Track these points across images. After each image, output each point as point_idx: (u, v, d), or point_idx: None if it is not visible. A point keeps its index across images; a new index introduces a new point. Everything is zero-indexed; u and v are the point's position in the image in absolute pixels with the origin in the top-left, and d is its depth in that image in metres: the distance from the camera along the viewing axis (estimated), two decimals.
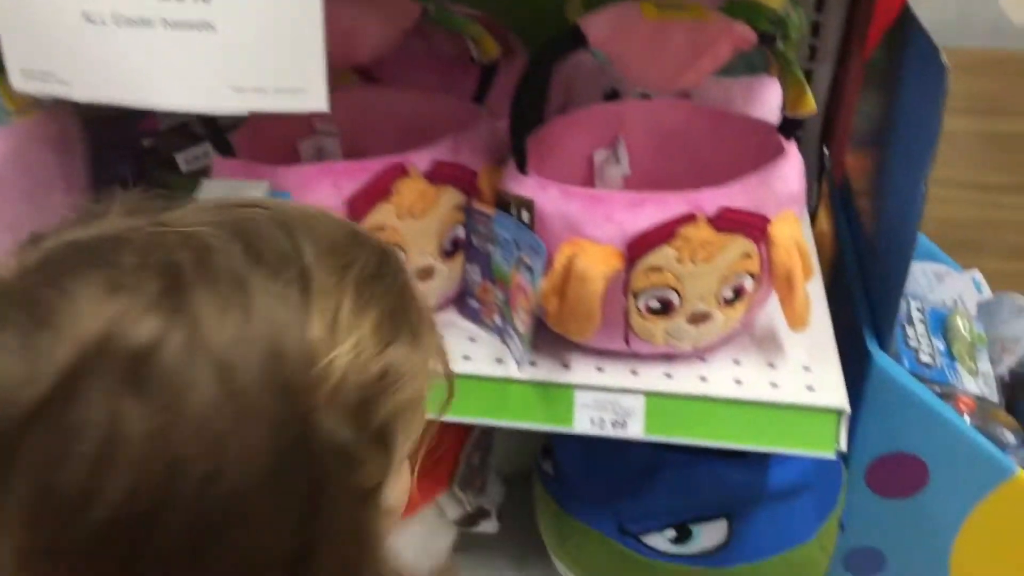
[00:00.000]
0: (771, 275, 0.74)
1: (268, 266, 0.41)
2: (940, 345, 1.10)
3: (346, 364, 0.41)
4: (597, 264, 0.70)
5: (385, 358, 0.43)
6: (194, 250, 0.41)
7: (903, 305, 1.12)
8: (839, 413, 0.73)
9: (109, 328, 0.38)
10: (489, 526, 0.98)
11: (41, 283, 0.40)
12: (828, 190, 1.20)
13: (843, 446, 0.74)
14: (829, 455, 0.74)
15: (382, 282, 0.44)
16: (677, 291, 0.72)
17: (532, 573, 1.02)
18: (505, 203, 0.75)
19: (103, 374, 0.38)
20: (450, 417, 0.78)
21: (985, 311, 1.16)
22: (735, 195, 0.71)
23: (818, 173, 1.16)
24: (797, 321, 0.74)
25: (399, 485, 0.48)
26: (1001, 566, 0.98)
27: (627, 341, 0.76)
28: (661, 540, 0.87)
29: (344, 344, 0.41)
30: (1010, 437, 1.06)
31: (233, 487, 0.39)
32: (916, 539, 0.98)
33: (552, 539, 0.95)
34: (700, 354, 0.78)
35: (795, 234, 0.73)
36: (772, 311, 0.79)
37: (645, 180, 0.85)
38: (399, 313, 0.44)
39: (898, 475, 0.95)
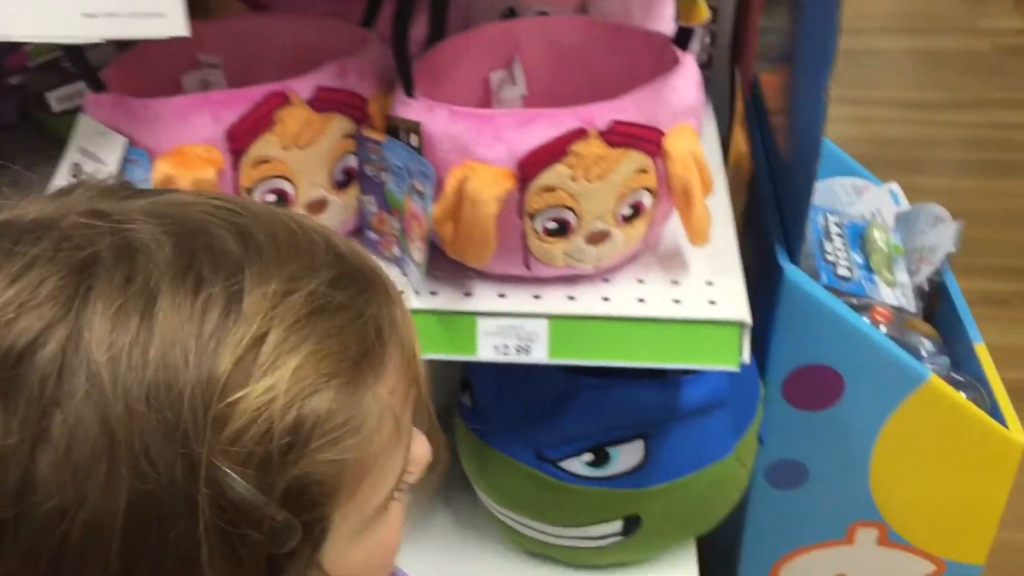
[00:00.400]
0: (669, 189, 0.73)
1: (192, 277, 0.36)
2: (858, 258, 1.10)
3: (253, 409, 0.35)
4: (488, 186, 0.68)
5: (306, 408, 0.36)
6: (116, 247, 0.36)
7: (821, 220, 1.12)
8: (741, 325, 0.73)
9: None
10: None
11: None
12: (743, 111, 1.19)
13: (746, 358, 0.73)
14: (733, 368, 0.74)
15: (335, 316, 0.38)
16: (574, 210, 0.71)
17: (459, 507, 1.02)
18: (394, 128, 0.73)
19: None
20: None
21: (903, 222, 1.17)
22: (627, 108, 0.70)
23: (730, 95, 1.15)
24: (697, 236, 0.73)
25: (353, 552, 0.41)
26: (918, 471, 1.00)
27: (527, 265, 0.74)
28: (579, 464, 0.87)
29: (256, 384, 0.35)
30: (928, 345, 1.07)
31: (87, 529, 0.34)
32: (835, 449, 1.00)
33: (474, 471, 0.94)
34: (603, 275, 0.78)
35: (691, 147, 0.72)
36: (676, 228, 0.78)
37: (544, 100, 0.83)
38: (348, 356, 0.38)
39: (814, 387, 0.96)
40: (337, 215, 0.76)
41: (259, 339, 0.36)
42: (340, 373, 0.37)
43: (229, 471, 0.35)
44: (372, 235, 0.79)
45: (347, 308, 0.38)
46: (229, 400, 0.35)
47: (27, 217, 0.38)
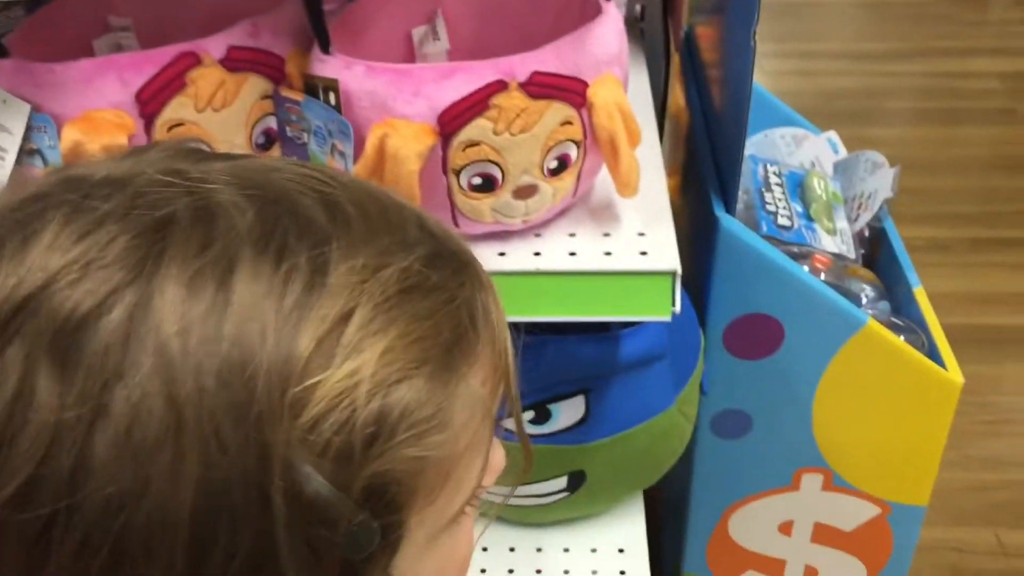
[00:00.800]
0: (595, 141, 0.72)
1: (275, 246, 0.33)
2: (798, 207, 1.10)
3: (334, 395, 0.32)
4: (409, 143, 0.67)
5: (392, 396, 0.33)
6: (194, 209, 0.33)
7: (760, 170, 1.12)
8: (672, 275, 0.73)
9: (48, 280, 0.31)
10: None
11: (17, 219, 0.33)
12: (679, 64, 1.18)
13: (678, 308, 0.73)
14: (665, 318, 0.74)
15: (428, 297, 0.35)
16: (499, 165, 0.70)
17: None
18: (313, 87, 0.71)
19: (27, 334, 0.31)
20: None
21: (842, 170, 1.17)
22: (547, 59, 0.68)
23: (665, 47, 1.14)
24: (625, 187, 0.73)
25: (424, 564, 0.37)
26: (860, 415, 1.01)
27: (456, 222, 0.73)
28: None
29: (339, 368, 0.32)
30: (868, 291, 1.08)
31: (149, 521, 0.31)
32: (778, 397, 1.00)
33: None
34: (534, 229, 0.77)
35: (616, 97, 0.71)
36: (607, 180, 0.78)
37: (468, 56, 0.81)
38: (440, 342, 0.34)
39: (754, 336, 0.96)
40: None
41: (345, 317, 0.32)
42: (431, 360, 0.34)
43: (305, 462, 0.31)
44: None
45: (440, 289, 0.35)
46: (308, 383, 0.31)
47: (98, 174, 0.35)
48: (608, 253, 0.74)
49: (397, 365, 0.33)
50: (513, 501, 0.91)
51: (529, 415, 0.86)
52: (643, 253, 0.74)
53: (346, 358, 0.32)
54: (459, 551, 0.40)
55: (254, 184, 0.35)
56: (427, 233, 0.37)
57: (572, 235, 0.77)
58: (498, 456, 0.42)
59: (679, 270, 0.72)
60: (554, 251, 0.75)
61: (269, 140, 0.74)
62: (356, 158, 0.69)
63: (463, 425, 0.35)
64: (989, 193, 2.08)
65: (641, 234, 0.76)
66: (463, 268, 0.38)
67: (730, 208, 0.92)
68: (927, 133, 2.30)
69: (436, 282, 0.35)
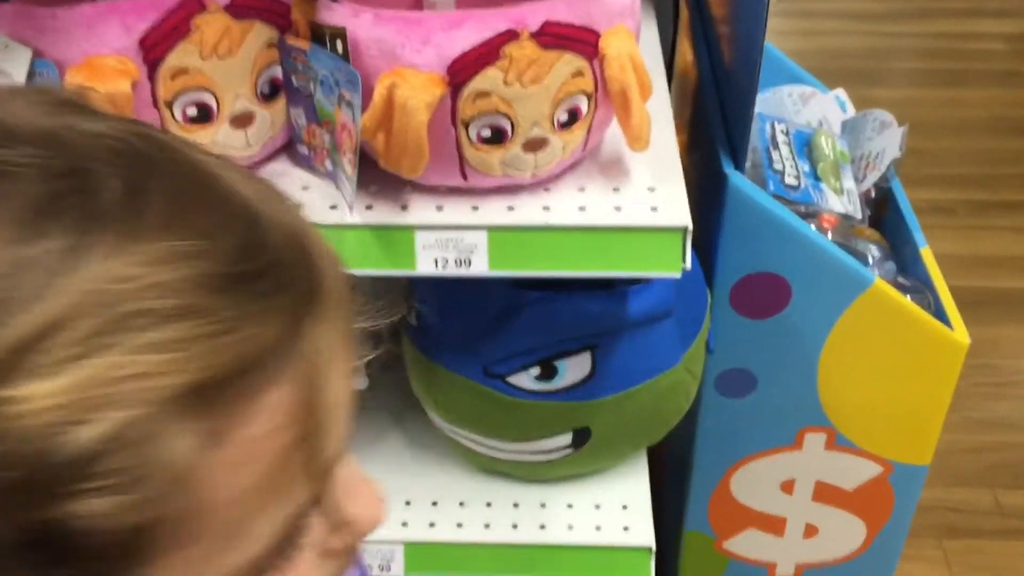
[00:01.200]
0: (606, 93, 0.70)
1: (40, 219, 0.28)
2: (805, 166, 1.09)
3: (9, 416, 0.27)
4: (418, 93, 0.66)
5: (83, 435, 0.27)
6: None
7: (768, 128, 1.10)
8: (683, 231, 0.72)
9: None
10: (358, 383, 0.96)
11: None
12: (688, 20, 1.16)
13: (688, 265, 0.72)
14: (675, 275, 0.73)
15: (184, 322, 0.29)
16: (509, 117, 0.69)
17: (410, 426, 1.01)
18: (320, 35, 0.69)
19: None
20: None
21: (849, 128, 1.16)
22: (559, 9, 0.67)
23: (674, 3, 1.12)
24: (636, 140, 0.71)
25: None
26: (865, 375, 1.00)
27: (464, 176, 0.72)
28: (527, 379, 0.86)
29: (28, 384, 0.27)
30: (875, 251, 1.07)
31: None
32: (783, 356, 1.00)
33: (422, 390, 0.93)
34: (543, 183, 0.76)
35: (628, 48, 0.69)
36: (616, 135, 0.76)
37: (478, 4, 0.80)
38: (189, 379, 0.29)
39: (761, 295, 0.96)
40: (264, 129, 0.73)
41: (60, 323, 0.27)
42: (158, 402, 0.28)
43: None
44: (303, 150, 0.76)
45: (217, 318, 0.29)
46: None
47: None
48: (618, 208, 0.73)
49: (98, 399, 0.27)
50: (517, 457, 0.91)
51: (535, 371, 0.85)
52: (653, 208, 0.73)
53: (41, 376, 0.27)
54: None
55: (58, 149, 0.31)
56: (254, 245, 0.31)
57: (581, 190, 0.76)
58: (364, 510, 0.37)
59: (690, 226, 0.71)
60: (563, 206, 0.74)
61: (274, 89, 0.73)
62: (364, 108, 0.67)
63: (206, 479, 0.30)
64: (992, 156, 2.07)
65: (651, 189, 0.75)
66: (281, 294, 0.31)
67: (739, 165, 0.91)
68: (930, 94, 2.28)
69: (217, 305, 0.29)
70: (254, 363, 0.30)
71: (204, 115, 0.69)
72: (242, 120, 0.71)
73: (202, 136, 0.69)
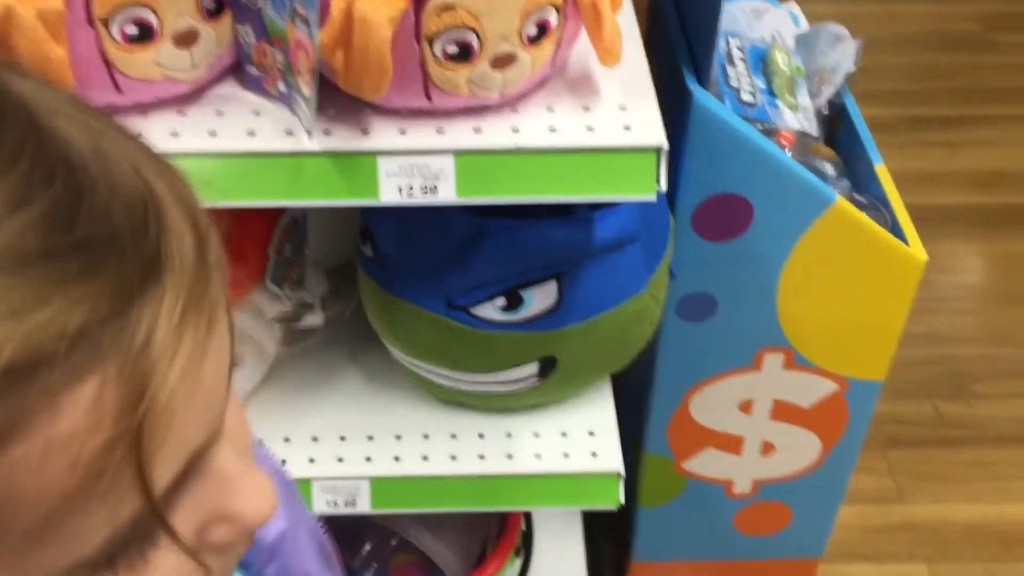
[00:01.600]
0: (576, 5, 0.67)
1: None
2: (760, 83, 1.07)
3: None
4: (380, 7, 0.61)
5: None
6: None
7: (723, 44, 1.08)
8: (657, 151, 0.69)
9: None
10: (314, 319, 0.92)
11: None
12: None
13: (663, 186, 0.70)
14: (650, 197, 0.71)
15: None
16: (476, 32, 0.65)
17: (367, 361, 0.98)
18: None
19: None
20: (241, 202, 0.71)
21: (803, 43, 1.14)
22: None
23: None
24: (608, 55, 0.68)
25: None
26: (823, 293, 1.00)
27: (428, 96, 0.68)
28: (492, 310, 0.83)
29: None
30: (829, 168, 1.06)
31: None
32: (744, 279, 0.99)
33: (381, 324, 0.90)
34: (510, 104, 0.72)
35: None
36: (586, 51, 0.73)
37: None
38: None
39: (724, 216, 0.94)
40: (210, 48, 0.68)
41: None
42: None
43: None
44: (253, 71, 0.71)
45: (6, 298, 0.26)
46: None
47: None
48: (590, 128, 0.70)
49: None
50: (482, 388, 0.89)
51: (501, 302, 0.83)
52: (627, 128, 0.70)
53: None
54: None
55: None
56: (72, 217, 0.27)
57: (550, 109, 0.72)
58: (249, 504, 0.34)
59: (665, 145, 0.69)
60: (532, 127, 0.70)
61: (220, 5, 0.67)
62: (322, 24, 0.62)
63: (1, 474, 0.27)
64: (927, 70, 2.08)
65: (623, 107, 0.72)
66: (99, 275, 0.27)
67: (703, 81, 0.88)
68: (865, 9, 2.28)
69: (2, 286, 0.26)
70: (52, 354, 0.26)
71: (145, 34, 0.63)
72: (186, 39, 0.65)
73: (143, 57, 0.64)
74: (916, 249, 0.98)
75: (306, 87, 0.65)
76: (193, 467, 0.32)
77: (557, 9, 0.67)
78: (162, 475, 0.30)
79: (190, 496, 0.32)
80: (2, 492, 0.27)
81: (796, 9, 1.17)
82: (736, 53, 1.08)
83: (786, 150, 1.00)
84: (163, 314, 0.28)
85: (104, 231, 0.28)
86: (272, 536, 0.51)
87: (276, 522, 0.51)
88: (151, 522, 0.30)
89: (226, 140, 0.69)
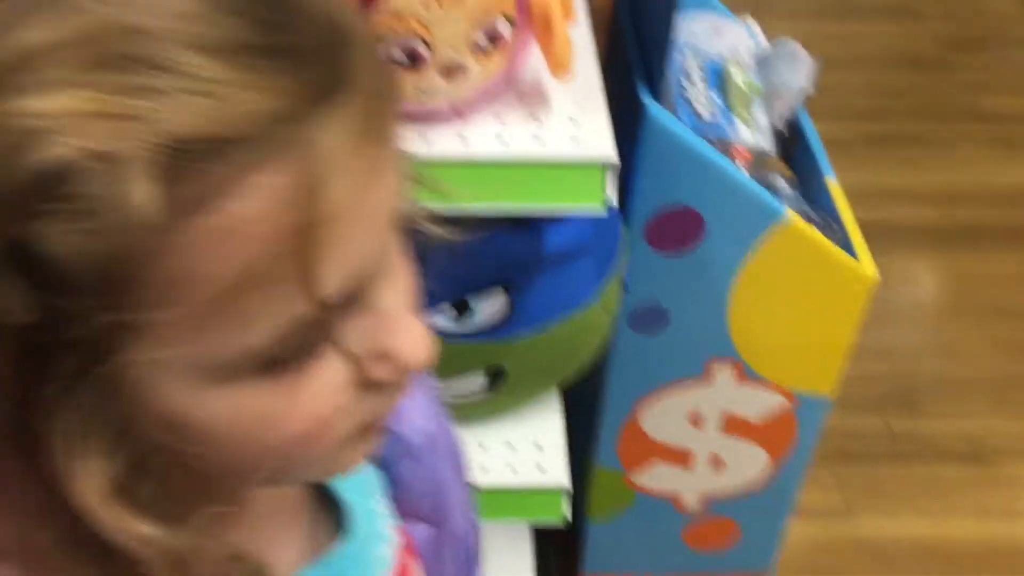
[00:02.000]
0: (527, 16, 0.66)
1: None
2: (717, 98, 1.08)
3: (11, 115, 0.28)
4: None
5: (66, 148, 0.28)
6: None
7: (679, 59, 1.08)
8: (606, 165, 0.69)
9: None
10: None
11: None
12: None
13: (612, 199, 0.70)
14: (598, 209, 0.70)
15: (199, 86, 0.29)
16: (425, 40, 0.64)
17: None
18: None
19: None
20: None
21: (761, 62, 1.14)
22: None
23: None
24: (558, 66, 0.68)
25: (199, 402, 0.32)
26: (774, 307, 1.01)
27: None
28: (440, 319, 0.82)
29: (28, 98, 0.28)
30: (783, 184, 1.07)
31: None
32: (696, 291, 0.99)
33: None
34: (460, 112, 0.71)
35: None
36: (540, 63, 0.72)
37: None
38: (185, 136, 0.29)
39: (675, 229, 0.94)
40: None
41: (57, 46, 0.28)
42: (137, 146, 0.28)
43: None
44: None
45: (209, 79, 0.29)
46: None
47: None
48: (538, 139, 0.70)
49: (69, 127, 0.28)
50: None
51: (449, 311, 0.82)
52: (575, 140, 0.70)
53: (41, 91, 0.28)
54: (270, 414, 0.33)
55: None
56: (274, 23, 0.31)
57: (499, 118, 0.72)
58: (401, 342, 0.35)
59: (614, 159, 0.69)
60: (481, 136, 0.70)
61: None
62: None
63: (184, 243, 0.29)
64: (881, 89, 2.11)
65: (572, 120, 0.72)
66: (291, 76, 0.30)
67: (657, 96, 0.88)
68: (820, 28, 2.30)
69: (205, 68, 0.29)
70: (246, 136, 0.29)
71: None
72: None
73: None
74: (866, 265, 0.98)
75: None
76: (358, 294, 0.34)
77: (508, 20, 0.66)
78: (328, 284, 0.32)
79: (353, 326, 0.34)
80: (187, 260, 0.29)
81: (753, 24, 1.18)
82: (694, 69, 1.08)
83: (741, 165, 1.01)
84: (341, 128, 0.31)
85: (303, 42, 0.31)
86: (418, 439, 0.52)
87: (426, 423, 0.53)
88: (316, 328, 0.32)
89: None
